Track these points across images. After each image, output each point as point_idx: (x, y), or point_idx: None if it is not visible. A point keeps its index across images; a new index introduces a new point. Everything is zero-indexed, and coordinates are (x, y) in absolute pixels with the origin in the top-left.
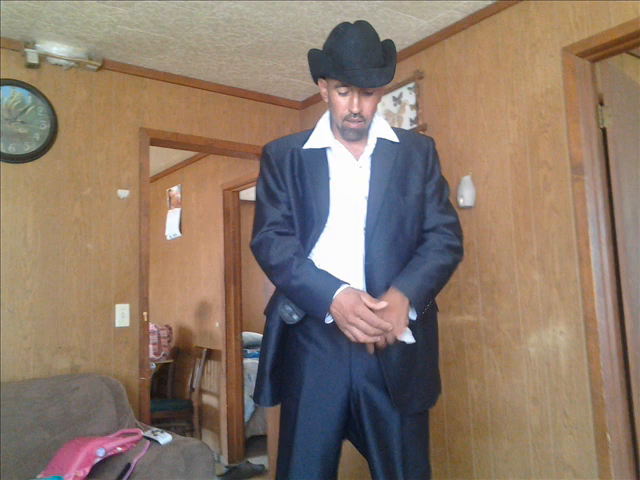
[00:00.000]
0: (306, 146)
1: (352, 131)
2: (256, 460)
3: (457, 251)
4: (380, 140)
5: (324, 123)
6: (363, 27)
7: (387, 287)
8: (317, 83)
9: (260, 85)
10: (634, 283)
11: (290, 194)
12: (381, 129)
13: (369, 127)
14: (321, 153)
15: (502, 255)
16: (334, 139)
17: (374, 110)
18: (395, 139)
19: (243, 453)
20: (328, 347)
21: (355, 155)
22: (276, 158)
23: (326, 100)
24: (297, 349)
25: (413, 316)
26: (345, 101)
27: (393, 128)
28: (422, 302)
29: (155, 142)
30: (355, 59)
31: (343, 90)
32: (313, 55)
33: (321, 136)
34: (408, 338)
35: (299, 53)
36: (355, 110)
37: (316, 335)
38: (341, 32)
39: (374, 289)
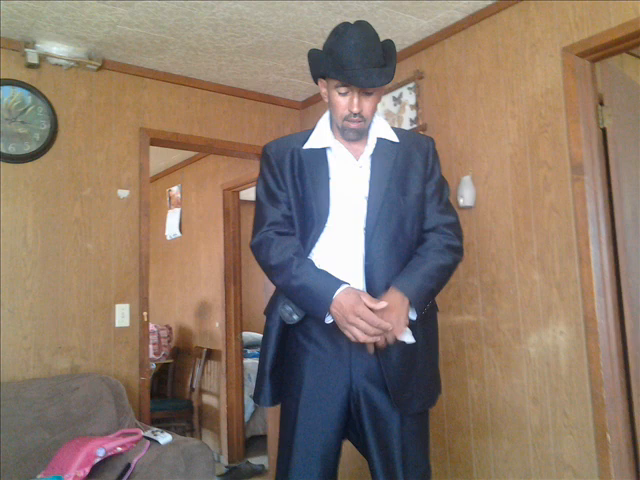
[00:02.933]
0: (306, 146)
1: (352, 131)
2: (256, 460)
3: (457, 251)
4: (380, 140)
5: (324, 123)
6: (363, 27)
7: (387, 287)
8: (317, 83)
9: (260, 85)
10: (634, 283)
11: (290, 194)
12: (381, 129)
13: (369, 127)
14: (321, 153)
15: (502, 255)
16: (334, 139)
17: (374, 110)
18: (395, 139)
19: (243, 453)
20: (328, 347)
21: (355, 155)
22: (276, 158)
23: (326, 100)
24: (297, 349)
25: (413, 316)
26: (345, 101)
27: (393, 128)
28: (422, 302)
29: (155, 142)
30: (355, 59)
31: (343, 90)
32: (313, 55)
33: (321, 136)
34: (408, 338)
35: (299, 53)
36: (355, 110)
37: (316, 335)
38: (341, 32)
39: (374, 289)
